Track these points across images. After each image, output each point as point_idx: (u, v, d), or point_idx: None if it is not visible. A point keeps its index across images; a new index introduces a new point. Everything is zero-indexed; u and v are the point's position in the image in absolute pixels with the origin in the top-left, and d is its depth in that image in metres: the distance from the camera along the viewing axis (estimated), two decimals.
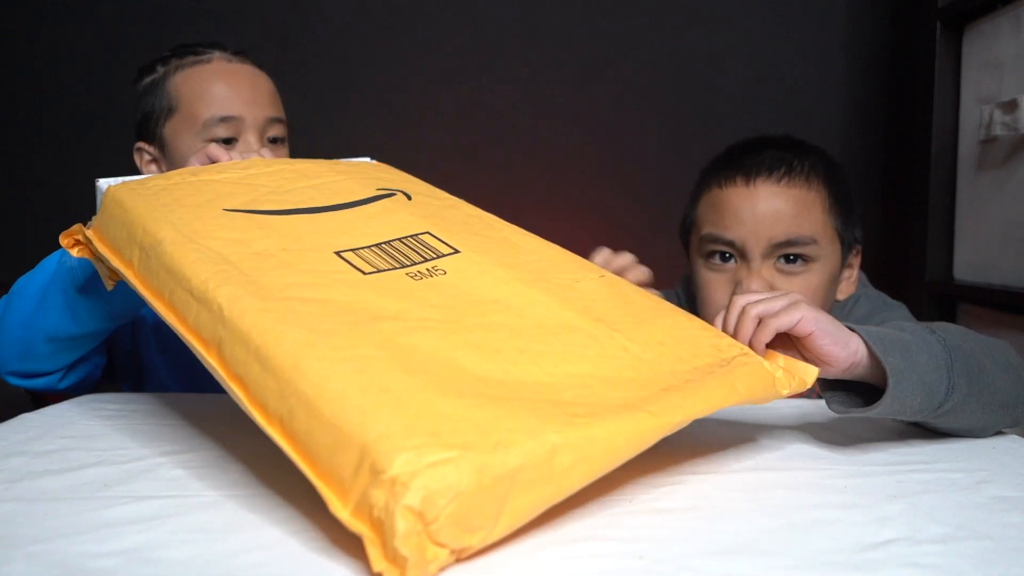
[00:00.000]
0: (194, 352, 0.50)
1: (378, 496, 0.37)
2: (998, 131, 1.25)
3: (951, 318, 1.42)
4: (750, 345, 0.59)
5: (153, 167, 1.03)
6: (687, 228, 0.96)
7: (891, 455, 0.60)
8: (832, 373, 0.58)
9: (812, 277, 0.86)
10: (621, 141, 1.59)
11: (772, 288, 0.84)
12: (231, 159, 0.78)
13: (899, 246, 1.55)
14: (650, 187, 1.59)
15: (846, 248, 0.89)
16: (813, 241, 0.85)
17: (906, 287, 1.49)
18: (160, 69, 1.02)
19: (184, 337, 0.51)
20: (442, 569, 0.38)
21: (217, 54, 1.01)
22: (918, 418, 0.61)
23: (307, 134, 1.55)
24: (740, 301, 0.62)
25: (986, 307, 1.33)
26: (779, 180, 0.86)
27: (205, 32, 1.53)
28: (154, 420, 0.66)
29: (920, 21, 1.46)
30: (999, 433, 0.68)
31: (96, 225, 0.64)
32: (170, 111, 1.00)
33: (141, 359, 0.96)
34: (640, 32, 1.58)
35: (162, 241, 0.55)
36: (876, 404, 0.57)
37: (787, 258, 0.86)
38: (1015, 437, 0.66)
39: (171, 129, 1.00)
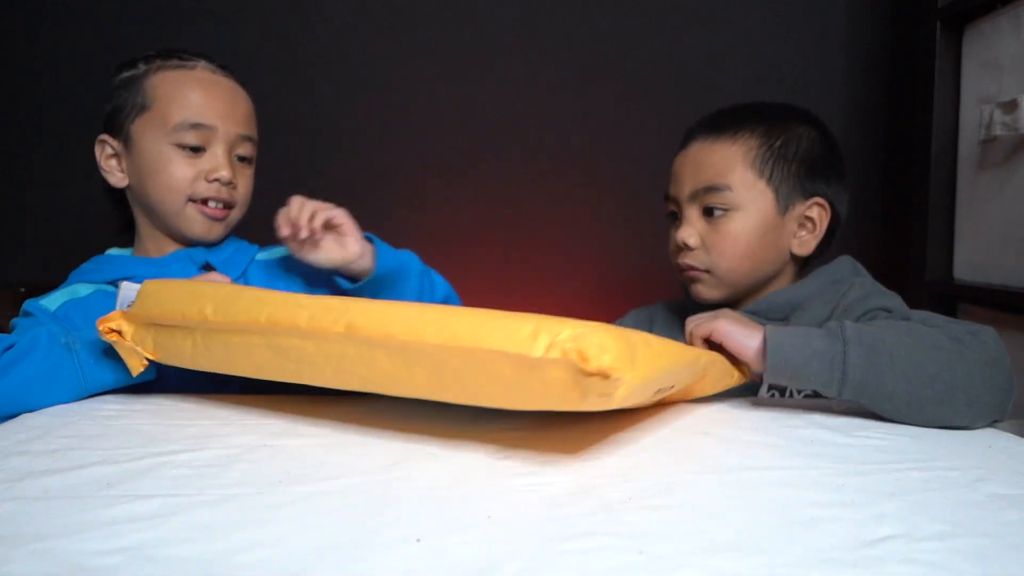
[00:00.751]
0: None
1: (564, 339, 0.50)
2: (998, 131, 1.26)
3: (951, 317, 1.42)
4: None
5: (113, 162, 1.01)
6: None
7: (888, 454, 0.60)
8: (750, 359, 0.75)
9: (733, 223, 0.94)
10: (621, 141, 1.59)
11: (698, 237, 0.96)
12: None
13: (899, 246, 1.55)
14: (650, 187, 1.58)
15: (784, 198, 0.94)
16: (728, 188, 0.94)
17: (906, 287, 1.50)
18: (141, 66, 1.00)
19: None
20: (628, 388, 0.51)
21: (202, 63, 1.01)
22: (832, 388, 0.71)
23: (307, 134, 1.55)
24: (688, 325, 0.81)
25: (986, 307, 1.33)
26: (705, 139, 0.97)
27: (205, 32, 1.53)
28: (155, 420, 0.67)
29: (920, 21, 1.46)
30: (996, 431, 0.68)
31: (136, 312, 0.73)
32: (142, 108, 0.98)
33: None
34: (640, 32, 1.58)
35: (239, 292, 0.69)
36: (765, 372, 0.72)
37: (710, 211, 0.95)
38: (1012, 436, 0.66)
39: (140, 126, 0.98)
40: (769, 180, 0.94)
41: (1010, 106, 1.23)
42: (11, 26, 1.56)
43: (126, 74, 1.00)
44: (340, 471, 0.54)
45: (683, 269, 0.98)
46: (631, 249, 1.59)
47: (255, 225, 1.09)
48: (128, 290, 0.74)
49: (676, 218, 0.99)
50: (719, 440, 0.64)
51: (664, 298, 1.17)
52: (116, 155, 1.01)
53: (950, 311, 1.42)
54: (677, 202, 0.98)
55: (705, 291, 0.97)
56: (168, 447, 0.58)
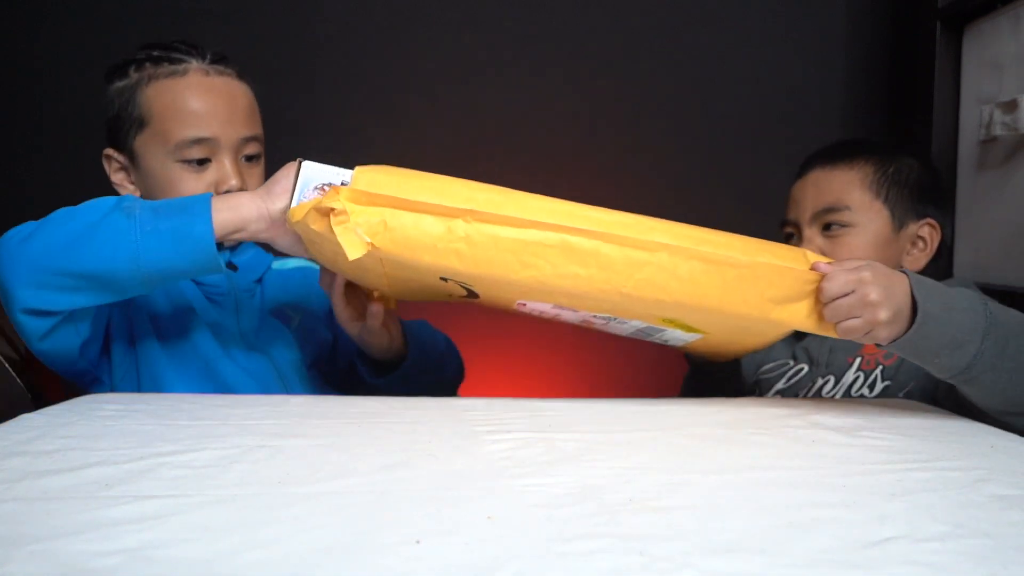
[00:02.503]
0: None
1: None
2: (998, 131, 1.25)
3: None
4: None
5: (121, 175, 0.99)
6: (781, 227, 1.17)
7: (890, 454, 0.60)
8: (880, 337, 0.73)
9: (851, 238, 1.03)
10: (621, 141, 1.59)
11: (823, 253, 1.01)
12: None
13: None
14: (650, 187, 1.59)
15: (899, 218, 1.03)
16: (847, 207, 1.03)
17: None
18: (133, 75, 0.97)
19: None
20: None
21: (194, 64, 0.96)
22: (951, 369, 0.72)
23: (306, 134, 1.55)
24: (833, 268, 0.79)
25: None
26: (824, 166, 1.06)
27: (205, 32, 1.53)
28: (155, 420, 0.67)
29: (920, 21, 1.46)
30: (998, 432, 0.68)
31: (370, 190, 0.69)
32: (141, 124, 0.96)
33: (137, 354, 0.95)
34: (640, 32, 1.58)
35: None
36: (903, 336, 0.70)
37: (827, 227, 1.04)
38: (1014, 436, 0.66)
39: (141, 143, 0.96)
40: (885, 200, 1.03)
41: (1010, 106, 1.22)
42: (11, 26, 1.56)
43: (119, 83, 0.97)
44: (340, 471, 0.54)
45: None
46: None
47: None
48: (313, 170, 0.70)
49: (793, 240, 1.09)
50: (720, 441, 0.64)
51: None
52: (124, 168, 0.99)
53: None
54: (796, 225, 1.07)
55: None
56: (168, 447, 0.58)
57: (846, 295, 0.71)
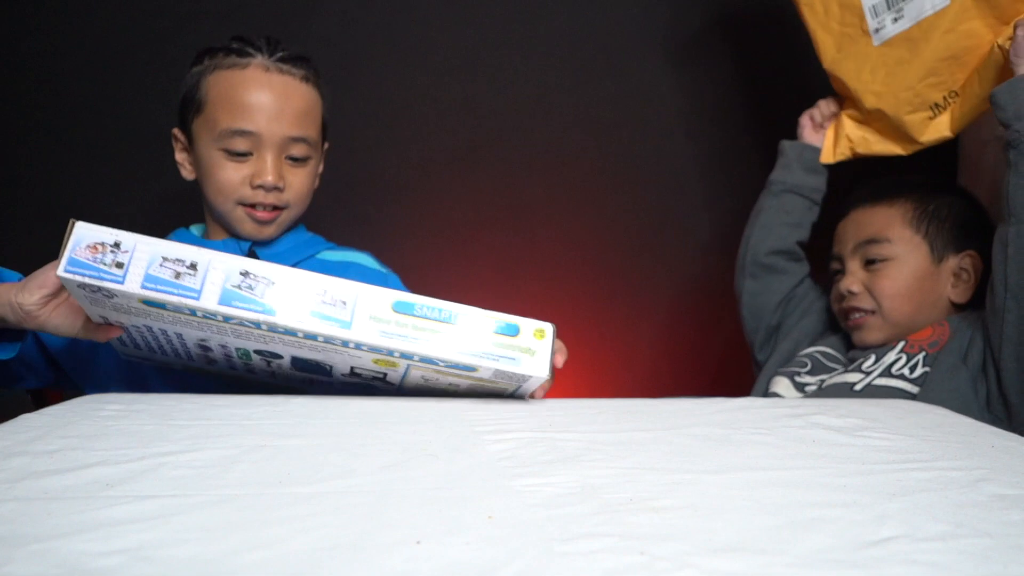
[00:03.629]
0: None
1: None
2: (999, 131, 1.25)
3: None
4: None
5: (183, 155, 1.05)
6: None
7: (890, 454, 0.60)
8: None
9: (891, 269, 1.10)
10: (621, 141, 1.59)
11: (860, 284, 1.11)
12: None
13: None
14: (651, 187, 1.59)
15: (938, 251, 1.10)
16: (887, 240, 1.10)
17: None
18: (206, 62, 1.00)
19: None
20: None
21: (257, 60, 0.99)
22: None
23: None
24: None
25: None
26: (866, 204, 1.15)
27: (205, 32, 1.53)
28: (155, 420, 0.67)
29: None
30: (998, 432, 0.68)
31: None
32: (198, 109, 1.00)
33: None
34: (640, 32, 1.58)
35: None
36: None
37: (871, 262, 1.11)
38: (1014, 436, 0.66)
39: (196, 127, 1.00)
40: (924, 235, 1.10)
41: None
42: (10, 25, 1.56)
43: (194, 68, 1.02)
44: (340, 472, 0.54)
45: (848, 314, 1.13)
46: (634, 247, 1.59)
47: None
48: (86, 230, 0.69)
49: (838, 274, 1.16)
50: (720, 441, 0.64)
51: (663, 297, 1.22)
52: (185, 149, 1.04)
53: None
54: (840, 259, 1.16)
55: (869, 334, 1.11)
56: (168, 447, 0.58)
57: None
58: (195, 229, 1.09)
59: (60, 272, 0.66)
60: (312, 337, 0.69)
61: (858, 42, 1.12)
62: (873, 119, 1.15)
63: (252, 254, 1.02)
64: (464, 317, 0.71)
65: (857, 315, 1.12)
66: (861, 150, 1.19)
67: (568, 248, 1.60)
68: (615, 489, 0.51)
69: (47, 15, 1.56)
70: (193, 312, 0.67)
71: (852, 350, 1.16)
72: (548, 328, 0.73)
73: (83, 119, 1.58)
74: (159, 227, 1.42)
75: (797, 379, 1.14)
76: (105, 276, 0.65)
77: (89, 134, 1.58)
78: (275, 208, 1.00)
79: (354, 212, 1.57)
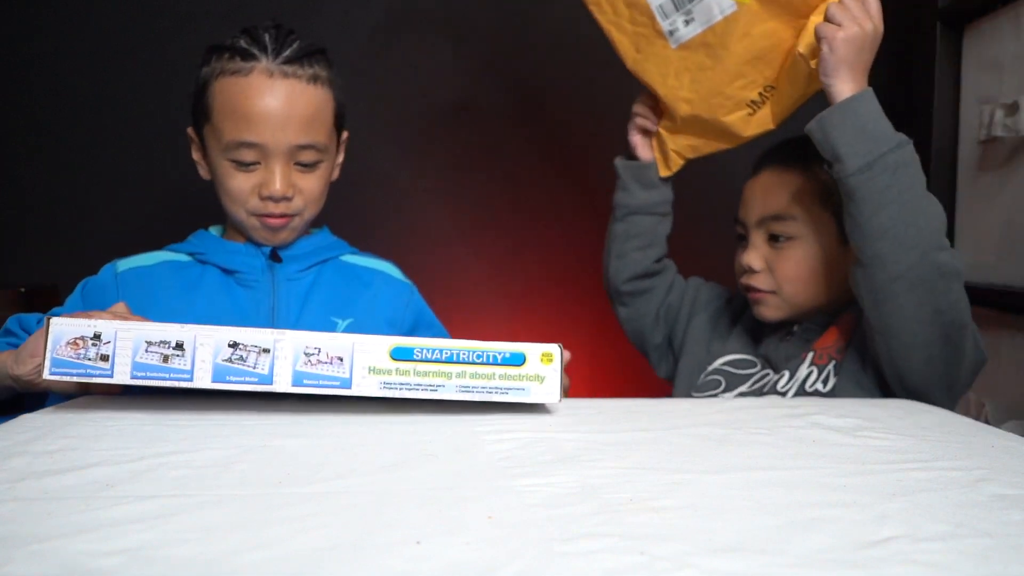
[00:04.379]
0: None
1: None
2: (999, 132, 1.25)
3: None
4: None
5: (199, 155, 1.03)
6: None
7: (890, 454, 0.60)
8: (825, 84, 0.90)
9: (796, 251, 1.01)
10: (621, 141, 1.59)
11: (763, 261, 1.03)
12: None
13: None
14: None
15: (845, 233, 0.96)
16: (793, 218, 1.01)
17: None
18: (214, 64, 0.98)
19: None
20: None
21: (261, 64, 0.96)
22: (862, 156, 0.86)
23: None
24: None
25: (986, 307, 1.33)
26: (776, 169, 1.04)
27: (205, 32, 1.53)
28: (155, 420, 0.67)
29: (920, 21, 1.46)
30: (998, 432, 0.68)
31: None
32: (207, 117, 0.98)
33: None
34: None
35: None
36: (843, 99, 0.88)
37: (775, 238, 1.02)
38: (1014, 436, 0.66)
39: (206, 134, 1.00)
40: (833, 213, 0.99)
41: (1012, 108, 1.23)
42: (10, 25, 1.56)
43: (203, 69, 1.00)
44: (340, 472, 0.54)
45: (747, 289, 1.06)
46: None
47: None
48: (62, 326, 0.65)
49: (743, 240, 1.07)
50: (720, 441, 0.64)
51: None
52: (200, 150, 1.03)
53: None
54: (745, 226, 1.06)
55: (767, 311, 1.04)
56: (168, 448, 0.58)
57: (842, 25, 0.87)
58: (214, 230, 1.08)
59: (46, 376, 0.64)
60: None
61: (655, 43, 1.04)
62: (690, 125, 1.07)
63: (275, 255, 1.02)
64: (466, 354, 0.68)
65: (756, 291, 1.04)
66: (692, 155, 1.11)
67: (568, 248, 1.60)
68: (615, 489, 0.51)
69: (48, 15, 1.56)
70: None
71: (762, 342, 1.09)
72: (555, 350, 0.70)
73: (83, 119, 1.58)
74: (161, 226, 1.42)
75: None
76: (92, 372, 0.64)
77: (89, 134, 1.58)
78: (285, 215, 1.00)
79: (354, 212, 1.57)
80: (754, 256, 1.03)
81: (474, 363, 0.68)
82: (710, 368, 1.09)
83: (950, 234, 1.42)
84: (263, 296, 1.00)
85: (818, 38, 0.89)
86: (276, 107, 0.95)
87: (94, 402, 0.74)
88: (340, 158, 1.07)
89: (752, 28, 0.97)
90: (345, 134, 1.07)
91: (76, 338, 0.64)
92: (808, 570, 0.39)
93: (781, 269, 1.02)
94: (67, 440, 0.60)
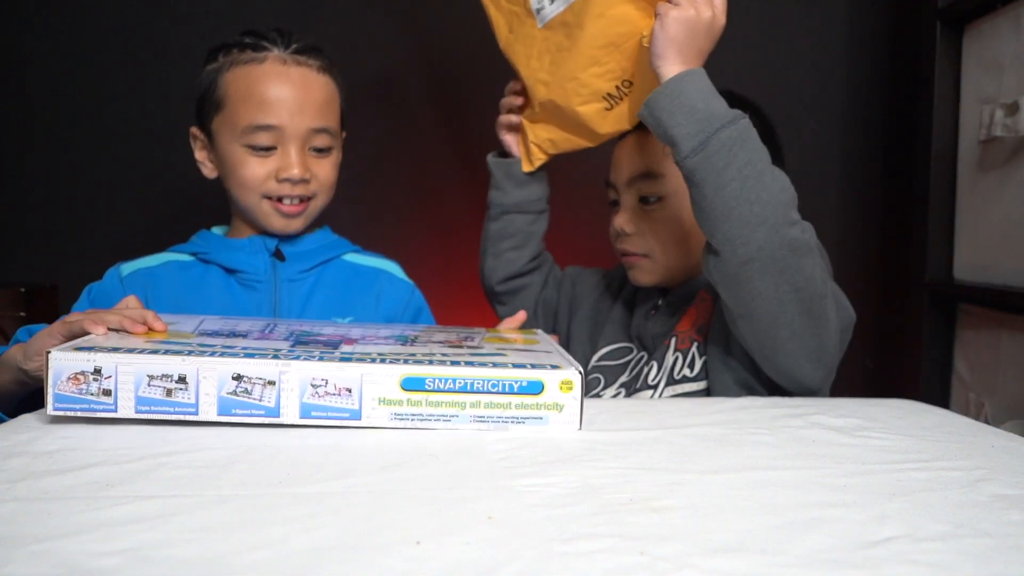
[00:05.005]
0: None
1: None
2: (999, 132, 1.25)
3: (951, 318, 1.42)
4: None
5: (204, 153, 1.04)
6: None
7: (890, 454, 0.60)
8: (653, 67, 0.86)
9: (666, 211, 0.99)
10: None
11: (636, 227, 1.01)
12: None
13: (899, 246, 1.55)
14: None
15: None
16: (662, 175, 0.99)
17: (906, 287, 1.50)
18: (221, 59, 1.00)
19: None
20: None
21: (274, 53, 0.98)
22: (694, 136, 0.81)
23: None
24: None
25: (986, 307, 1.33)
26: (642, 129, 0.99)
27: (205, 32, 1.53)
28: (156, 420, 0.67)
29: (920, 21, 1.46)
30: (998, 432, 0.68)
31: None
32: (218, 107, 0.99)
33: None
34: None
35: None
36: (673, 76, 0.84)
37: (645, 199, 1.00)
38: (1014, 436, 0.66)
39: (216, 125, 1.00)
40: None
41: (1012, 108, 1.23)
42: (9, 25, 1.56)
43: (209, 66, 1.01)
44: (340, 472, 0.54)
45: (622, 254, 1.03)
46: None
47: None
48: (62, 360, 0.63)
49: (615, 204, 1.04)
50: (720, 441, 0.64)
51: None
52: (205, 148, 1.03)
53: (950, 311, 1.42)
54: (616, 188, 1.03)
55: (641, 276, 1.02)
56: (168, 448, 0.58)
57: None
58: (217, 230, 1.08)
59: (49, 412, 0.62)
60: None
61: (525, 23, 1.02)
62: (548, 112, 1.05)
63: (278, 254, 1.03)
64: (480, 384, 0.65)
65: (630, 256, 1.02)
66: (552, 151, 1.09)
67: (567, 248, 1.60)
68: (615, 489, 0.51)
69: (47, 14, 1.56)
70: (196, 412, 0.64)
71: (633, 320, 1.06)
72: (576, 377, 0.66)
73: (83, 119, 1.58)
74: (162, 226, 1.42)
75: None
76: (96, 407, 0.62)
77: (89, 134, 1.58)
78: (302, 200, 1.01)
79: (354, 211, 1.56)
80: (625, 218, 1.01)
81: (489, 392, 0.65)
82: (589, 367, 1.07)
83: (949, 234, 1.43)
84: (265, 297, 1.00)
85: (656, 17, 0.87)
86: (292, 91, 0.98)
87: None
88: (339, 157, 1.07)
89: (608, 9, 0.94)
90: (344, 134, 1.07)
91: (76, 373, 0.62)
92: (808, 570, 0.39)
93: (653, 230, 0.99)
94: (67, 440, 0.60)
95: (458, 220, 1.59)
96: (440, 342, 0.77)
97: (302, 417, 0.63)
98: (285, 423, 0.63)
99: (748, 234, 0.80)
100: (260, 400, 0.63)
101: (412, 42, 1.60)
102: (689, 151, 0.81)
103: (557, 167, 1.14)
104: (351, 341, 0.75)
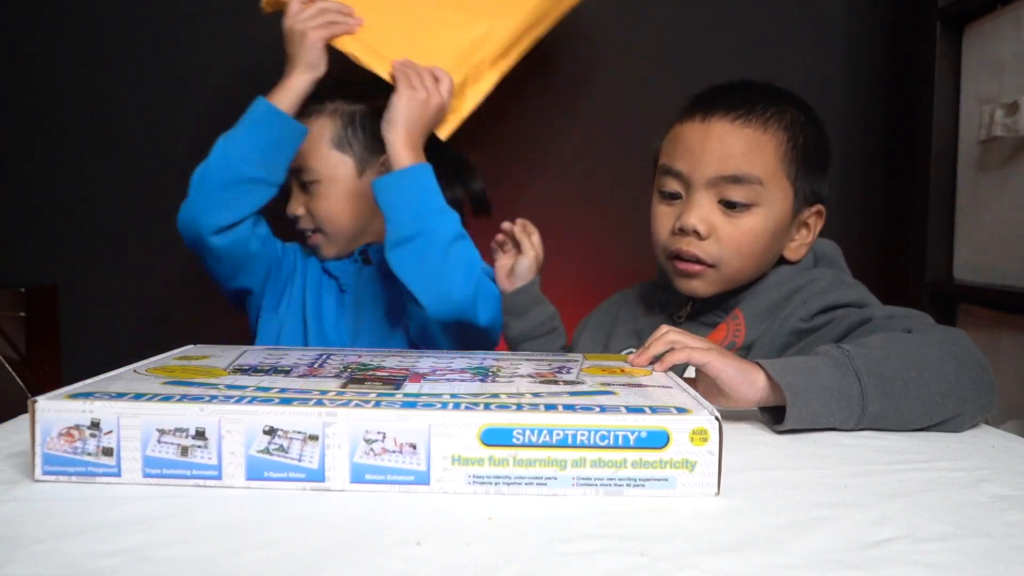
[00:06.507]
0: None
1: None
2: (999, 132, 1.25)
3: (951, 318, 1.42)
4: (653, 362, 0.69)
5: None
6: (654, 165, 0.97)
7: (891, 454, 0.60)
8: (746, 405, 0.67)
9: (754, 220, 0.86)
10: (621, 141, 1.59)
11: (710, 226, 0.86)
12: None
13: (899, 246, 1.55)
14: (651, 186, 1.59)
15: (800, 200, 0.88)
16: (759, 182, 0.85)
17: (906, 287, 1.49)
18: None
19: None
20: None
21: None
22: (851, 424, 0.66)
23: None
24: (664, 327, 0.71)
25: (986, 307, 1.33)
26: (734, 119, 0.87)
27: (205, 32, 1.53)
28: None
29: (920, 21, 1.46)
30: (998, 432, 0.68)
31: None
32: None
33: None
34: (640, 32, 1.58)
35: None
36: (784, 421, 0.64)
37: (731, 204, 0.86)
38: (1014, 436, 0.66)
39: None
40: (793, 180, 0.87)
41: (1012, 108, 1.22)
42: (11, 25, 1.56)
43: None
44: None
45: (678, 256, 0.89)
46: (633, 247, 1.59)
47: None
48: (52, 413, 0.52)
49: (674, 198, 0.90)
50: None
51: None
52: None
53: (950, 311, 1.42)
54: (686, 181, 0.88)
55: (702, 287, 0.89)
56: None
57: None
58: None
59: (37, 477, 0.51)
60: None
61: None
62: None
63: (365, 257, 1.20)
64: (585, 435, 0.50)
65: (692, 262, 0.88)
66: (455, 117, 1.16)
67: (568, 248, 1.60)
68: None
69: (47, 14, 1.56)
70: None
71: (650, 323, 0.94)
72: (712, 427, 0.50)
73: (84, 119, 1.57)
74: (162, 226, 1.42)
75: None
76: (96, 471, 0.51)
77: (90, 134, 1.58)
78: (315, 231, 1.19)
79: None
80: (700, 218, 0.86)
81: (597, 446, 0.49)
82: None
83: (949, 234, 1.43)
84: (349, 295, 1.20)
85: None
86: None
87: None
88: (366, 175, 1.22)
89: None
90: (384, 158, 1.18)
91: (70, 428, 0.51)
92: (808, 570, 0.39)
93: (734, 241, 0.86)
94: None
95: None
96: (528, 376, 0.64)
97: (353, 482, 0.50)
98: (332, 488, 0.50)
99: (961, 418, 0.68)
100: (299, 460, 0.50)
101: None
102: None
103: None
104: (417, 377, 0.62)
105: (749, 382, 0.66)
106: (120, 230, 1.57)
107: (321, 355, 0.71)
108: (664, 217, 0.91)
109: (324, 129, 1.17)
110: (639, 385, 0.61)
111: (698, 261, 0.87)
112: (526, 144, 1.61)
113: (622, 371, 0.67)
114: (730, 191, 0.86)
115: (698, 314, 0.93)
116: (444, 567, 0.39)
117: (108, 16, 1.56)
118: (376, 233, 1.17)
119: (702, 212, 0.86)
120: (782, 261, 0.92)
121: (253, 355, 0.70)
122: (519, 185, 1.62)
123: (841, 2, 1.59)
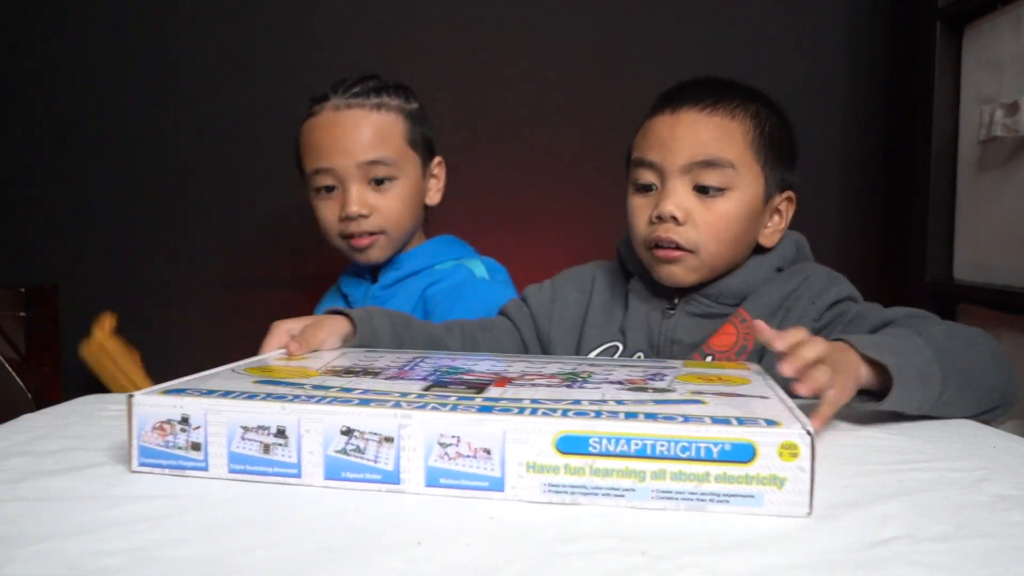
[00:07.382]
0: None
1: None
2: (999, 132, 1.25)
3: (951, 318, 1.42)
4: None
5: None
6: (627, 163, 0.97)
7: (891, 454, 0.60)
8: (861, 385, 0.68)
9: (729, 204, 0.88)
10: (620, 140, 1.59)
11: (687, 212, 0.88)
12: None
13: (899, 246, 1.55)
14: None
15: (771, 186, 0.91)
16: (731, 165, 0.88)
17: (906, 287, 1.49)
18: (307, 118, 1.13)
19: None
20: None
21: (331, 102, 1.09)
22: (924, 410, 0.69)
23: None
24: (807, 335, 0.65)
25: (986, 307, 1.33)
26: (703, 109, 0.90)
27: (205, 32, 1.53)
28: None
29: (920, 21, 1.46)
30: (999, 432, 0.68)
31: None
32: (300, 162, 1.13)
33: None
34: (640, 32, 1.58)
35: None
36: (886, 399, 0.66)
37: (704, 189, 0.88)
38: (1015, 436, 0.66)
39: (306, 177, 1.13)
40: (763, 165, 0.90)
41: (1012, 108, 1.23)
42: (11, 25, 1.56)
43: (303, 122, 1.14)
44: None
45: (658, 245, 0.90)
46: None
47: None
48: (147, 408, 0.55)
49: (649, 189, 0.91)
50: None
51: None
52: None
53: (950, 311, 1.42)
54: (660, 171, 0.89)
55: (682, 274, 0.90)
56: None
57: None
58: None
59: (133, 468, 0.54)
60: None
61: None
62: None
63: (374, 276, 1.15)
64: (666, 445, 0.47)
65: (671, 249, 0.89)
66: None
67: (567, 247, 1.60)
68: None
69: (47, 15, 1.56)
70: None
71: (632, 316, 0.95)
72: (803, 441, 0.46)
73: (84, 119, 1.58)
74: (162, 226, 1.42)
75: None
76: (186, 464, 0.52)
77: (89, 135, 1.58)
78: (372, 233, 1.10)
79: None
80: (676, 204, 0.87)
81: (678, 457, 0.47)
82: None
83: (949, 234, 1.43)
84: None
85: None
86: (342, 132, 1.10)
87: (94, 402, 0.74)
88: (435, 182, 1.19)
89: None
90: (437, 158, 1.18)
91: (162, 422, 0.53)
92: (808, 570, 0.39)
93: (710, 225, 0.88)
94: (68, 440, 0.60)
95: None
96: (619, 382, 0.62)
97: (428, 486, 0.49)
98: (406, 490, 0.50)
99: (996, 411, 0.76)
100: (375, 462, 0.50)
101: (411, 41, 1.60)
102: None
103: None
104: (504, 381, 0.61)
105: (856, 380, 0.67)
106: (120, 230, 1.57)
107: (415, 358, 0.72)
108: (640, 209, 0.92)
109: (396, 125, 1.11)
110: (735, 395, 0.57)
111: (677, 247, 0.89)
112: (526, 143, 1.61)
113: (719, 379, 0.64)
114: (704, 175, 0.88)
115: (694, 307, 0.93)
116: (445, 567, 0.39)
117: (108, 16, 1.56)
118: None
119: (678, 199, 0.88)
120: (758, 249, 0.95)
121: (350, 357, 0.72)
122: (517, 184, 1.62)
123: (841, 2, 1.60)
